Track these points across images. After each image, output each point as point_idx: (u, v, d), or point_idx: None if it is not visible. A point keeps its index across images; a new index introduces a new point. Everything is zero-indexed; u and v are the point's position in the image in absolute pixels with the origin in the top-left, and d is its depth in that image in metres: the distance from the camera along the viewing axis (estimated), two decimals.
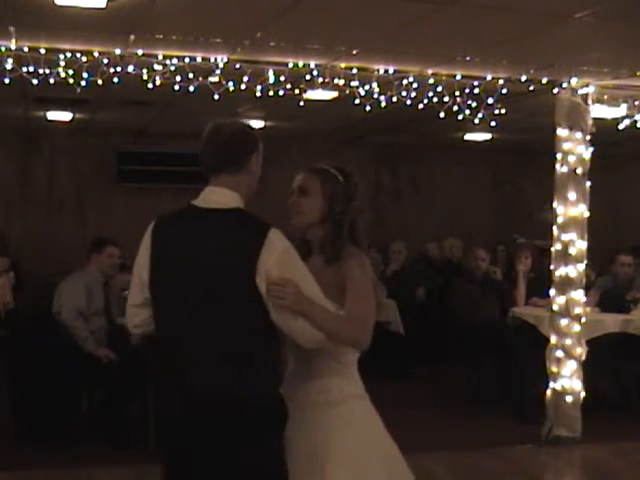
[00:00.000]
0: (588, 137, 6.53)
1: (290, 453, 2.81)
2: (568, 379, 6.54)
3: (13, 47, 5.59)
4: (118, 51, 5.71)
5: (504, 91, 6.53)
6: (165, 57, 5.81)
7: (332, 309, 2.77)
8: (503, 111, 6.96)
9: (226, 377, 2.67)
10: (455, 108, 6.66)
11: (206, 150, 2.83)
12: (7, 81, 5.78)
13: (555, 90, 6.53)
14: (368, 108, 6.51)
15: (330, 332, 2.73)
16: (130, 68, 5.79)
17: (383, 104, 6.50)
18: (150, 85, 5.95)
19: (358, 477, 2.87)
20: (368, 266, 2.95)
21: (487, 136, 10.45)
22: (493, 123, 7.39)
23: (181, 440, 2.77)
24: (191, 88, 5.98)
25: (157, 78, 5.89)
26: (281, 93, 6.28)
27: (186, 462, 2.78)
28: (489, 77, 6.42)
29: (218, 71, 5.91)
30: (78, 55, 5.66)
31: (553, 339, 6.55)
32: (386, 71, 6.25)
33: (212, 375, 2.68)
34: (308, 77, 6.15)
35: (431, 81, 6.37)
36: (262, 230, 2.68)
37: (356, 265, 2.90)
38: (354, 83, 6.24)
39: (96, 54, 5.70)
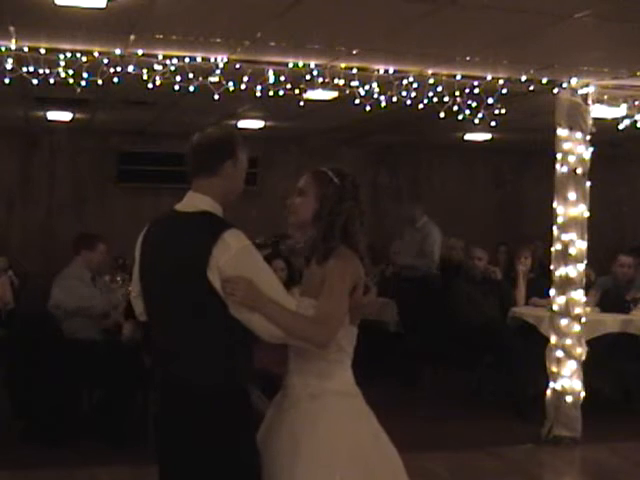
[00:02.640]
0: (588, 137, 6.53)
1: (273, 446, 2.94)
2: (568, 379, 6.54)
3: (13, 47, 5.60)
4: (118, 51, 5.71)
5: (504, 91, 6.53)
6: (165, 57, 5.82)
7: (293, 306, 2.84)
8: (503, 111, 6.94)
9: (186, 366, 2.88)
10: (455, 108, 6.65)
11: (187, 156, 3.03)
12: (7, 81, 5.78)
13: (555, 90, 6.53)
14: (368, 108, 6.50)
15: (284, 328, 2.81)
16: (130, 68, 5.79)
17: (383, 104, 6.50)
18: (150, 85, 5.94)
19: (328, 475, 2.87)
20: (353, 267, 2.95)
21: (487, 136, 10.44)
22: (493, 123, 7.37)
23: (160, 427, 3.04)
24: (191, 88, 5.98)
25: (157, 78, 5.89)
26: (281, 93, 6.28)
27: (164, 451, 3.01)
28: (489, 77, 6.42)
29: (218, 71, 5.91)
30: (78, 55, 5.66)
31: (553, 339, 6.55)
32: (386, 71, 6.25)
33: (176, 363, 2.92)
34: (308, 77, 6.15)
35: (431, 81, 6.37)
36: (218, 230, 2.82)
37: (337, 264, 2.93)
38: (354, 83, 6.24)
39: (96, 54, 5.70)
